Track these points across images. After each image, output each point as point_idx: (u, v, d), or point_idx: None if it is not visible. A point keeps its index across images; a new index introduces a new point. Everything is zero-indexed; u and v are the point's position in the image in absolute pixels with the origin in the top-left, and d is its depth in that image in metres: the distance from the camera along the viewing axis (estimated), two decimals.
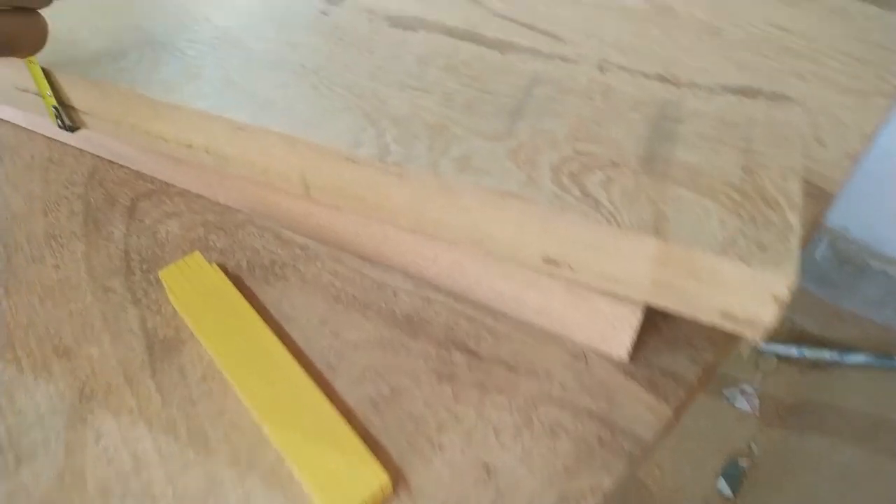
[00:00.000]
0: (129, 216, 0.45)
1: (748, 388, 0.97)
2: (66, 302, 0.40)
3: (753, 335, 0.31)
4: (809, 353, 0.98)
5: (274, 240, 0.43)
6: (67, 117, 0.42)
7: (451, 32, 0.41)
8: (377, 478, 0.31)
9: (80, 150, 0.49)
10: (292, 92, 0.37)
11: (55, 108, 0.41)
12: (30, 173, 0.48)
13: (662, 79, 0.37)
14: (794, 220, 0.30)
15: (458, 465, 0.33)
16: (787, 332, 1.01)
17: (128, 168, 0.48)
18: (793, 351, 0.98)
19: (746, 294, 0.29)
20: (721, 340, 0.36)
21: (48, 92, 0.40)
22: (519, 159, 0.33)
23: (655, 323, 0.37)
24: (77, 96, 0.41)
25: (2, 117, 0.51)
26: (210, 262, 0.41)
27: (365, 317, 0.39)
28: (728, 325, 0.31)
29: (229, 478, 0.33)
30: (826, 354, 0.98)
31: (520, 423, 0.34)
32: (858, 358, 0.95)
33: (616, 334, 0.35)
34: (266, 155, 0.37)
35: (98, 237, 0.44)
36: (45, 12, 0.35)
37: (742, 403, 0.95)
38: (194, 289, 0.39)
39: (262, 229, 0.44)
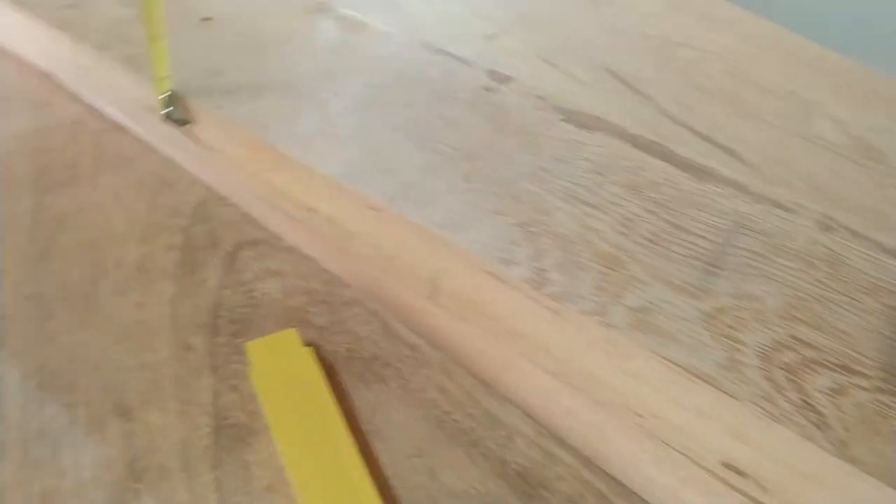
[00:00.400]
0: (228, 264, 0.40)
1: None
2: (140, 350, 0.36)
3: None
4: None
5: (381, 330, 0.37)
6: (179, 110, 0.37)
7: (634, 141, 0.34)
8: None
9: (195, 178, 0.45)
10: (440, 179, 0.32)
11: (167, 96, 0.37)
12: (138, 192, 0.44)
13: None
14: None
15: None
16: None
17: (238, 208, 0.43)
18: None
19: None
20: None
21: (166, 74, 0.36)
22: (716, 329, 0.26)
23: None
24: (205, 129, 0.36)
25: (125, 124, 0.48)
26: (306, 344, 0.35)
27: (470, 458, 0.32)
28: None
29: None
30: None
31: None
32: None
33: None
34: (396, 244, 0.32)
35: (190, 281, 0.39)
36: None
37: None
38: (281, 374, 0.33)
39: (370, 314, 0.38)
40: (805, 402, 0.24)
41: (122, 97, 0.41)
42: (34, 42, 0.47)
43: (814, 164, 0.34)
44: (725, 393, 0.24)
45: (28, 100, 0.50)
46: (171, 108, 0.37)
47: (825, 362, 0.25)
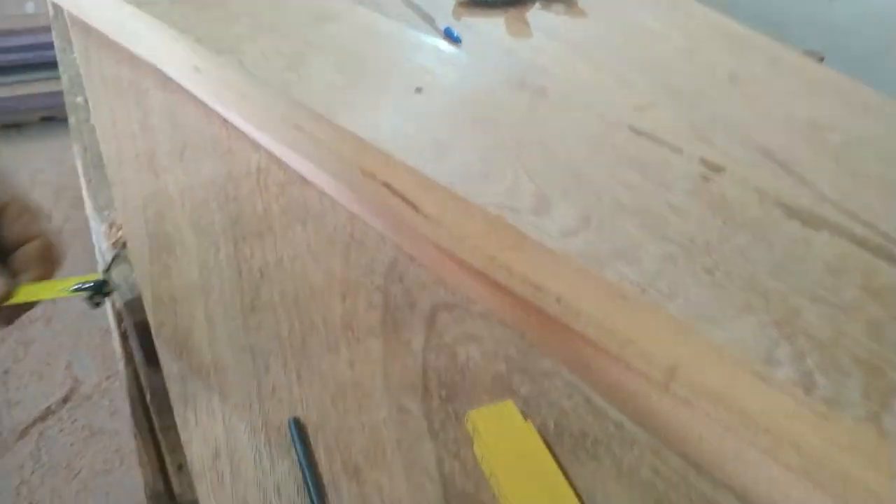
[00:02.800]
0: (428, 326, 0.42)
1: None
2: (358, 410, 0.37)
3: None
4: None
5: (584, 404, 0.38)
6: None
7: (862, 243, 0.36)
8: None
9: (382, 236, 0.47)
10: (682, 269, 0.33)
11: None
12: (331, 248, 0.46)
13: None
14: None
15: None
16: None
17: (428, 269, 0.45)
18: None
19: None
20: None
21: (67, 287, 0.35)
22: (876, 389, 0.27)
23: None
24: (428, 200, 0.38)
25: (311, 179, 0.50)
26: (525, 417, 0.37)
27: None
28: None
29: None
30: None
31: None
32: None
33: None
34: (639, 331, 0.33)
35: (396, 342, 0.40)
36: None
37: None
38: (505, 444, 0.35)
39: (571, 387, 0.39)
40: None
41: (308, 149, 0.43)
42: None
43: None
44: None
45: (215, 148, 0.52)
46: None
47: None
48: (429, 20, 0.70)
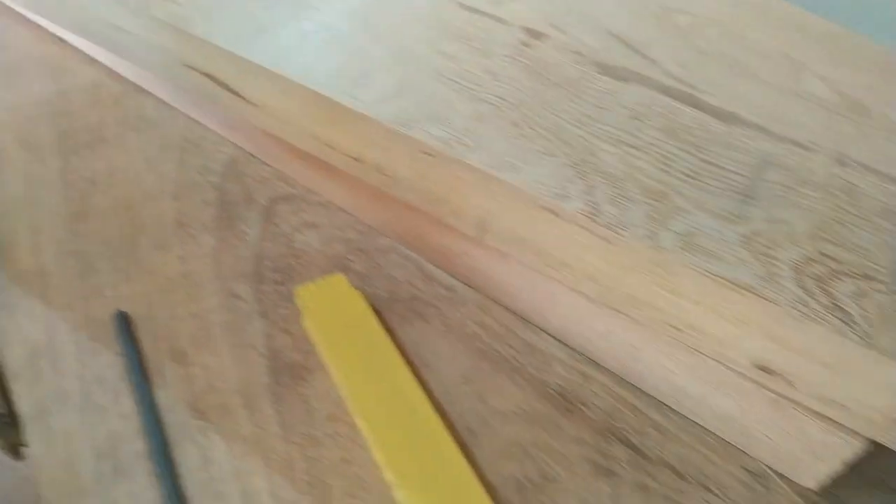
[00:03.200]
0: (265, 218, 0.41)
1: None
2: (187, 300, 0.37)
3: None
4: None
5: (417, 273, 0.39)
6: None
7: (667, 91, 0.36)
8: None
9: (221, 137, 0.46)
10: (490, 125, 0.33)
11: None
12: (166, 153, 0.45)
13: None
14: None
15: None
16: None
17: (270, 166, 0.44)
18: None
19: None
20: None
21: None
22: (754, 248, 0.29)
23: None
24: (250, 86, 0.37)
25: (148, 89, 0.48)
26: (353, 287, 0.37)
27: (514, 383, 0.34)
28: None
29: None
30: None
31: None
32: None
33: (815, 463, 0.30)
34: (446, 186, 0.33)
35: (230, 234, 0.40)
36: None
37: None
38: (332, 314, 0.35)
39: (406, 259, 0.40)
40: (834, 304, 0.26)
41: (146, 60, 0.42)
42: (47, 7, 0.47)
43: (808, 118, 0.37)
44: (765, 299, 0.26)
45: (46, 65, 0.50)
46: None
47: (849, 272, 0.28)
48: None
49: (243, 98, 0.39)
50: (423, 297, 0.38)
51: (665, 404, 0.34)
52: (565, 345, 0.36)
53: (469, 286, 0.39)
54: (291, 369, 0.34)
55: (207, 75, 0.39)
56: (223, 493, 0.30)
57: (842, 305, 0.27)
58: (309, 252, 0.40)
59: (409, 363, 0.35)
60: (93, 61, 0.50)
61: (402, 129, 0.33)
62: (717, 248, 0.28)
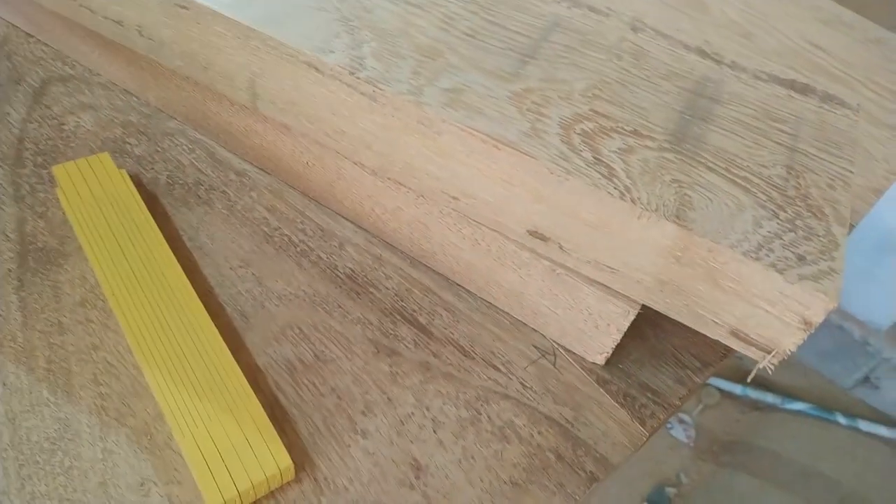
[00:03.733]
0: (34, 99, 0.37)
1: (686, 419, 0.94)
2: None
3: (765, 362, 0.25)
4: (753, 393, 0.95)
5: (206, 158, 0.36)
6: None
7: None
8: (277, 459, 0.24)
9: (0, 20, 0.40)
10: None
11: None
12: None
13: (703, 53, 0.32)
14: (840, 234, 0.25)
15: (382, 457, 0.26)
16: (733, 368, 0.98)
17: (48, 46, 0.39)
18: (737, 389, 0.95)
19: (771, 311, 0.24)
20: (715, 361, 0.31)
21: None
22: (523, 105, 0.27)
23: (640, 327, 0.31)
24: None
25: None
26: (120, 168, 0.33)
27: (299, 266, 0.32)
28: (736, 345, 0.26)
29: (88, 429, 0.26)
30: (769, 398, 0.95)
31: (466, 418, 0.28)
32: (799, 406, 0.93)
33: (597, 335, 0.29)
34: (210, 47, 0.30)
35: None
36: None
37: (678, 432, 0.91)
38: (93, 195, 0.31)
39: (194, 143, 0.36)
40: (597, 159, 0.25)
41: None
42: None
43: (645, 4, 0.35)
44: (526, 154, 0.25)
45: None
46: None
47: (619, 129, 0.26)
48: None
49: None
50: (208, 182, 0.35)
51: (458, 284, 0.32)
52: (361, 228, 0.34)
53: (263, 170, 0.35)
54: (43, 254, 0.31)
55: None
56: None
57: (605, 161, 0.25)
58: (80, 135, 0.35)
59: (182, 248, 0.32)
60: None
61: None
62: (484, 105, 0.26)
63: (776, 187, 0.26)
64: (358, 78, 0.27)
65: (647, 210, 0.24)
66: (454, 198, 0.28)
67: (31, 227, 0.31)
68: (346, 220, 0.34)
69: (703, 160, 0.26)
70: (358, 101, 0.27)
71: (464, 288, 0.32)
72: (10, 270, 0.30)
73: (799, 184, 0.26)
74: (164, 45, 0.31)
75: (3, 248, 0.31)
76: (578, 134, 0.26)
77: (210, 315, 0.28)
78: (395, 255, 0.33)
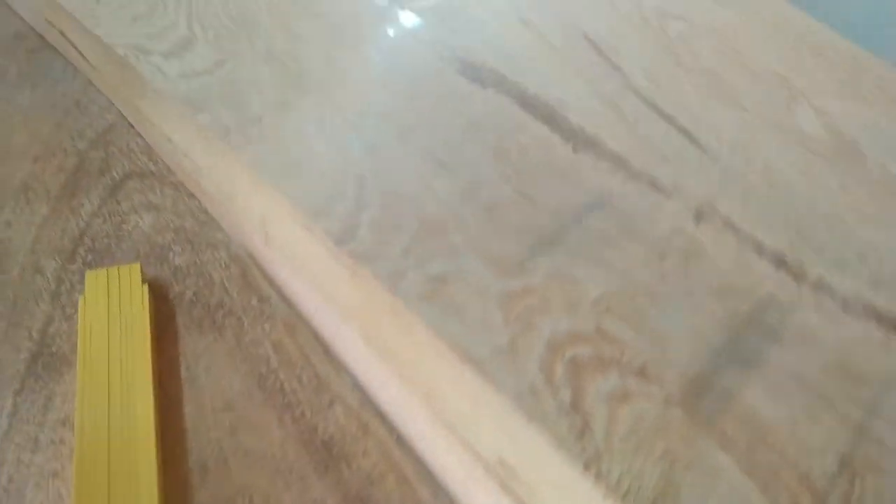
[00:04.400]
0: (109, 193, 0.39)
1: None
2: None
3: None
4: None
5: (238, 277, 0.35)
6: None
7: (524, 103, 0.30)
8: None
9: (110, 102, 0.44)
10: (295, 117, 0.29)
11: None
12: (48, 112, 0.43)
13: (780, 262, 0.25)
14: None
15: None
16: None
17: (142, 138, 0.42)
18: None
19: None
20: None
21: None
22: (512, 310, 0.23)
23: None
24: (85, 44, 0.35)
25: (51, 40, 0.47)
26: (152, 279, 0.34)
27: (280, 421, 0.30)
28: None
29: None
30: None
31: None
32: None
33: None
34: (231, 183, 0.29)
35: (66, 206, 0.38)
36: None
37: None
38: (108, 308, 0.32)
39: (231, 259, 0.36)
40: (574, 405, 0.20)
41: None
42: None
43: (776, 156, 0.29)
44: (490, 379, 0.21)
45: None
46: None
47: (623, 363, 0.21)
48: None
49: (86, 59, 0.36)
50: (228, 306, 0.34)
51: (437, 478, 0.28)
52: (358, 388, 0.31)
53: (284, 299, 0.34)
54: (53, 360, 0.31)
55: (62, 33, 0.37)
56: None
57: (584, 409, 0.20)
58: (135, 236, 0.37)
59: (174, 378, 0.31)
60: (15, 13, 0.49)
61: (193, 111, 0.29)
62: (467, 303, 0.23)
63: (814, 491, 0.19)
64: (342, 249, 0.24)
65: (612, 492, 0.18)
66: (426, 393, 0.25)
67: (54, 329, 0.32)
68: (348, 373, 0.31)
69: (720, 429, 0.20)
70: (339, 272, 0.25)
71: (444, 488, 0.28)
72: (18, 371, 0.31)
73: (851, 489, 0.19)
74: (201, 170, 0.31)
75: (23, 347, 0.32)
76: (566, 362, 0.21)
77: (171, 463, 0.27)
78: (384, 426, 0.30)
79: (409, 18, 0.35)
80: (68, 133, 0.42)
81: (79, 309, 0.33)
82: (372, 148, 0.28)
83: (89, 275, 0.33)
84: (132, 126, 0.42)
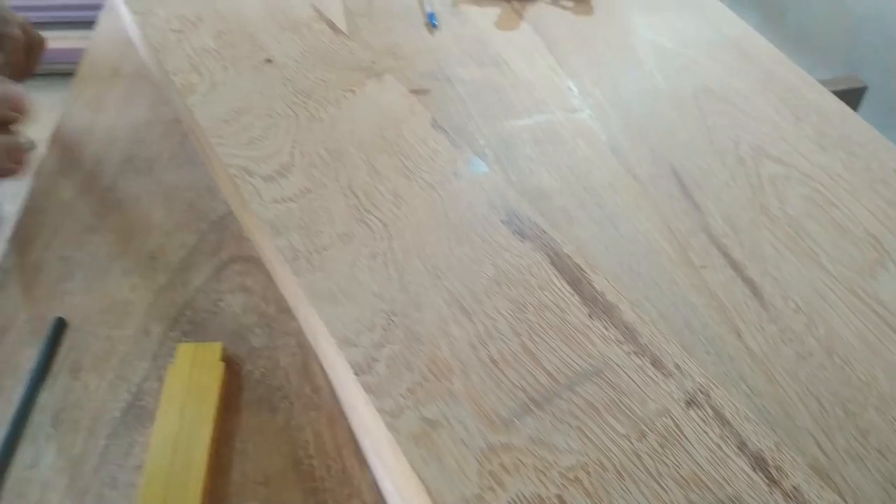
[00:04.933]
0: (214, 273, 0.46)
1: None
2: (113, 324, 0.43)
3: None
4: None
5: (300, 366, 0.41)
6: None
7: (556, 261, 0.34)
8: None
9: None
10: (348, 251, 0.34)
11: None
12: (185, 193, 0.51)
13: (759, 460, 0.27)
14: None
15: None
16: None
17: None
18: None
19: None
20: None
21: None
22: (487, 466, 0.26)
23: None
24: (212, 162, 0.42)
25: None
26: (230, 358, 0.40)
27: (304, 502, 0.34)
28: None
29: None
30: None
31: None
32: None
33: None
34: (293, 297, 0.35)
35: (179, 279, 0.45)
36: None
37: None
38: (190, 379, 0.38)
39: (299, 349, 0.41)
40: None
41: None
42: None
43: (838, 321, 0.31)
44: None
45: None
46: None
47: None
48: (422, 3, 0.73)
49: (210, 164, 0.44)
50: (285, 390, 0.39)
51: None
52: (376, 487, 0.35)
53: (333, 394, 0.39)
54: (141, 413, 0.38)
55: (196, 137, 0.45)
56: (24, 493, 0.35)
57: None
58: (227, 315, 0.43)
59: (227, 449, 0.37)
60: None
61: (273, 234, 0.35)
62: (449, 451, 0.26)
63: None
64: (360, 377, 0.29)
65: None
66: None
67: (148, 386, 0.39)
68: (370, 472, 0.36)
69: None
70: (359, 395, 0.29)
71: None
72: (114, 418, 0.38)
73: None
74: (276, 274, 0.37)
75: (122, 398, 0.39)
76: None
77: None
78: None
79: (477, 162, 0.40)
80: (196, 213, 0.50)
81: (167, 374, 0.39)
82: (406, 286, 0.32)
83: (180, 347, 0.40)
84: None
